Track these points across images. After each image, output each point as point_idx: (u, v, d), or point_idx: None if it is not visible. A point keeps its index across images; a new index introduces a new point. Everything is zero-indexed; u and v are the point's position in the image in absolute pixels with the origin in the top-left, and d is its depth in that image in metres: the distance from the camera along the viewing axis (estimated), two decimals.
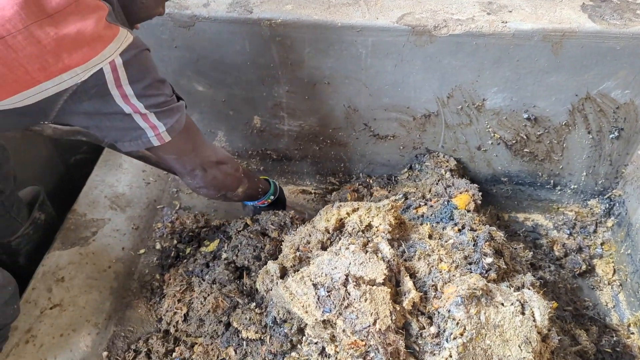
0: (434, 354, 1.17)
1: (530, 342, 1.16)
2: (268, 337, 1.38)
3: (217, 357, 1.44)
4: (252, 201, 1.67)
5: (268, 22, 1.59)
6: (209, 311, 1.48)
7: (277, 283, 1.34)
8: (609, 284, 1.87)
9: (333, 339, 1.22)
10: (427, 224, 1.48)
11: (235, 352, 1.42)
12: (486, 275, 1.32)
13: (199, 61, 1.74)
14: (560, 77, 1.63)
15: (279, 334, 1.36)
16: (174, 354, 1.48)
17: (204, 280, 1.58)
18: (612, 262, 1.90)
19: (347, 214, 1.46)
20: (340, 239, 1.40)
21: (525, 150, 1.87)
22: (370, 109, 1.83)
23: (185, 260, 1.68)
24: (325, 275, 1.24)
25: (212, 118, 1.94)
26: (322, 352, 1.26)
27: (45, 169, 1.96)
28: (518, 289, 1.33)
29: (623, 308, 1.80)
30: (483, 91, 1.71)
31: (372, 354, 1.16)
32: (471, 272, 1.30)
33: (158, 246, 1.78)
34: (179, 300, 1.55)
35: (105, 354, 1.49)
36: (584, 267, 1.87)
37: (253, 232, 1.65)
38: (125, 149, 1.19)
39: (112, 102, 1.05)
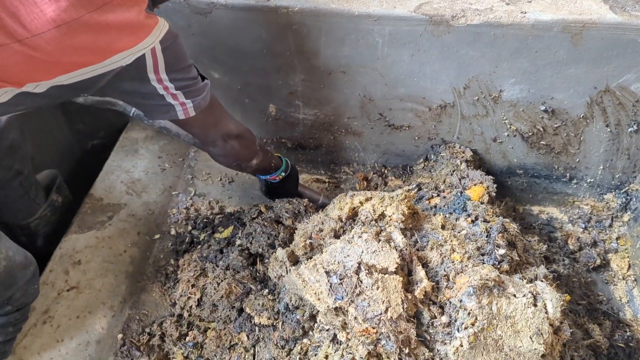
0: (445, 343, 1.18)
1: (541, 334, 1.15)
2: (280, 323, 1.39)
3: (230, 342, 1.45)
4: (264, 175, 1.71)
5: (285, 10, 1.59)
6: (222, 297, 1.49)
7: (288, 270, 1.35)
8: (623, 278, 1.85)
9: (344, 326, 1.23)
10: (440, 215, 1.48)
11: (248, 338, 1.44)
12: (499, 266, 1.32)
13: (215, 48, 1.75)
14: (580, 69, 1.61)
15: (291, 321, 1.37)
16: (187, 338, 1.50)
17: (217, 266, 1.59)
18: (628, 257, 1.88)
19: (361, 203, 1.46)
20: (353, 227, 1.41)
21: (541, 142, 1.85)
22: (386, 98, 1.82)
23: (199, 246, 1.70)
24: (338, 263, 1.25)
25: (228, 105, 1.90)
26: (334, 338, 1.27)
27: (62, 153, 1.99)
28: (531, 281, 1.33)
29: (637, 303, 1.78)
30: (500, 82, 1.69)
31: (383, 342, 1.17)
32: (484, 263, 1.30)
33: (173, 232, 1.80)
34: (192, 286, 1.57)
35: (120, 336, 1.52)
36: (598, 261, 1.86)
37: (267, 220, 1.66)
38: (153, 119, 1.36)
39: (148, 83, 1.18)
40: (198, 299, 1.54)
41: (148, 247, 1.74)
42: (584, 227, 1.98)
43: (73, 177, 1.94)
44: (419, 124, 1.89)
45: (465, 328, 1.13)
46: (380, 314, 1.17)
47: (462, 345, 1.12)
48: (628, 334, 1.65)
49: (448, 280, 1.27)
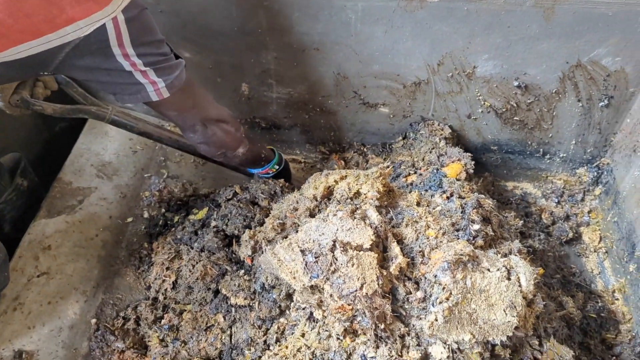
0: (420, 318, 1.18)
1: (515, 307, 1.17)
2: (257, 303, 1.39)
3: (206, 324, 1.45)
4: (255, 168, 1.66)
5: None
6: (197, 279, 1.48)
7: (265, 250, 1.34)
8: (595, 251, 1.89)
9: (320, 304, 1.23)
10: (415, 192, 1.48)
11: (224, 319, 1.43)
12: (473, 241, 1.33)
13: (185, 27, 1.70)
14: (552, 44, 1.61)
15: (268, 300, 1.36)
16: (163, 321, 1.49)
17: (192, 248, 1.57)
18: (599, 229, 1.92)
19: (335, 181, 1.45)
20: (328, 206, 1.40)
21: (515, 118, 1.86)
22: (360, 76, 1.80)
23: (173, 229, 1.68)
24: (313, 241, 1.24)
25: (200, 85, 1.90)
26: (310, 317, 1.27)
27: (29, 136, 1.93)
28: (505, 255, 1.34)
29: (608, 275, 1.82)
30: (474, 58, 1.69)
31: (359, 318, 1.17)
32: (458, 239, 1.31)
33: (146, 215, 1.77)
34: (167, 268, 1.55)
35: (94, 321, 1.50)
36: (571, 234, 1.89)
37: (243, 201, 1.64)
38: (124, 102, 1.22)
39: (113, 58, 1.08)
40: (173, 282, 1.53)
41: (121, 231, 1.71)
42: (557, 201, 2.01)
43: (40, 161, 1.89)
44: (393, 101, 1.88)
45: (440, 303, 1.14)
46: (356, 290, 1.16)
47: (436, 320, 1.13)
48: (599, 304, 1.69)
49: (423, 256, 1.27)
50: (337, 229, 1.25)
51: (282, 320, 1.35)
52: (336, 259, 1.20)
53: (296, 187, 1.78)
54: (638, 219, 1.69)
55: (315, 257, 1.22)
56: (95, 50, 1.05)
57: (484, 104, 1.82)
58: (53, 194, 1.71)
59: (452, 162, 1.67)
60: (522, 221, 1.74)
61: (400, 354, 1.16)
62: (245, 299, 1.40)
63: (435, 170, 1.63)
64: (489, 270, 1.21)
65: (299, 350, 1.22)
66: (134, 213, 1.77)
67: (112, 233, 1.69)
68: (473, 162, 1.73)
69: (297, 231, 1.33)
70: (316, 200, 1.43)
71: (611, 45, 1.58)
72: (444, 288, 1.16)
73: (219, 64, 1.82)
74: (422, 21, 1.60)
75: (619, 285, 1.75)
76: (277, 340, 1.32)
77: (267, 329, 1.36)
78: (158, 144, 1.96)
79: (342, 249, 1.21)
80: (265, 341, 1.34)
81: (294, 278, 1.23)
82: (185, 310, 1.49)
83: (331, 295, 1.19)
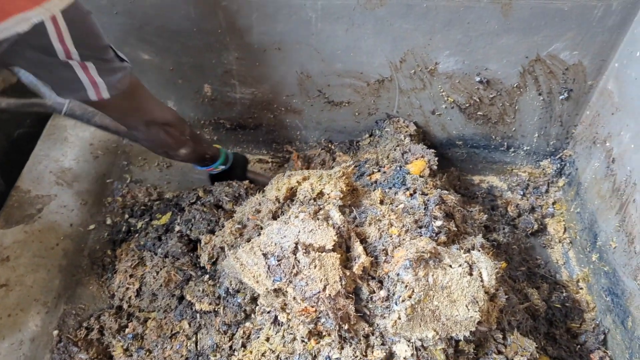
0: (384, 317, 1.18)
1: (477, 302, 1.18)
2: (222, 308, 1.37)
3: (171, 331, 1.42)
4: (201, 166, 1.65)
5: None
6: (161, 285, 1.46)
7: (227, 254, 1.33)
8: (559, 242, 1.92)
9: (284, 307, 1.22)
10: (379, 190, 1.48)
11: (189, 325, 1.41)
12: (436, 238, 1.33)
13: (142, 28, 1.67)
14: (511, 39, 1.62)
15: (233, 304, 1.35)
16: (127, 330, 1.46)
17: (156, 254, 1.55)
18: (563, 220, 1.95)
19: (298, 182, 1.44)
20: (291, 208, 1.39)
21: (478, 113, 1.87)
22: (324, 75, 1.79)
23: (137, 235, 1.65)
24: (275, 244, 1.23)
25: (161, 87, 1.87)
26: (275, 320, 1.26)
27: None
28: (468, 250, 1.35)
29: (573, 264, 1.85)
30: (435, 55, 1.69)
31: (322, 320, 1.17)
32: (421, 236, 1.31)
33: (109, 221, 1.74)
34: (131, 276, 1.52)
35: (56, 332, 1.46)
36: (536, 226, 1.92)
37: (207, 205, 1.62)
38: (64, 97, 1.23)
39: (55, 55, 1.07)
40: (137, 289, 1.50)
41: (82, 239, 1.67)
42: (522, 194, 2.04)
43: None
44: (358, 99, 1.87)
45: (403, 301, 1.14)
46: (319, 292, 1.16)
47: (400, 318, 1.13)
48: (564, 294, 1.72)
49: (386, 254, 1.27)
50: (299, 231, 1.24)
51: (247, 324, 1.34)
52: (298, 261, 1.19)
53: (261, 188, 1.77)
54: (599, 210, 1.72)
55: (278, 260, 1.21)
56: (37, 45, 1.04)
57: (448, 99, 1.83)
58: (10, 203, 1.66)
59: (416, 159, 1.68)
60: (487, 215, 1.75)
61: (364, 353, 1.16)
62: (210, 304, 1.38)
63: (398, 168, 1.63)
64: (450, 266, 1.21)
65: (263, 354, 1.21)
66: (96, 220, 1.74)
67: (74, 241, 1.65)
68: (437, 159, 1.74)
69: (259, 234, 1.31)
70: (279, 202, 1.42)
71: (568, 39, 1.60)
72: (406, 286, 1.16)
73: (179, 66, 1.79)
74: (383, 19, 1.60)
75: (582, 275, 1.78)
76: (243, 345, 1.31)
77: (233, 334, 1.35)
78: (120, 149, 1.92)
79: (304, 250, 1.20)
80: (231, 346, 1.33)
81: (257, 282, 1.22)
82: (150, 318, 1.47)
83: (294, 298, 1.18)
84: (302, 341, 1.19)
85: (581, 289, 1.77)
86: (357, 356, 1.15)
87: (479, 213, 1.76)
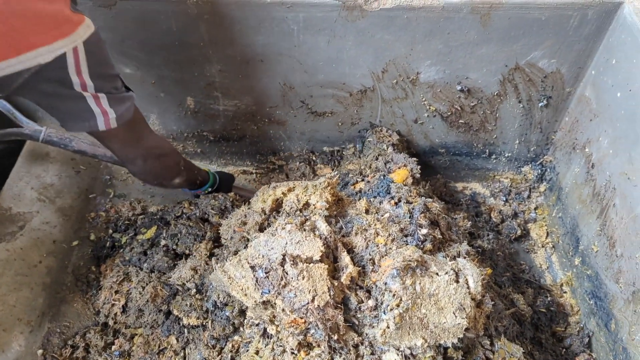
0: (373, 326, 1.19)
1: (464, 309, 1.19)
2: (210, 322, 1.36)
3: (159, 347, 1.41)
4: (190, 189, 1.65)
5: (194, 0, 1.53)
6: (147, 301, 1.44)
7: (215, 268, 1.32)
8: (542, 246, 1.95)
9: (273, 319, 1.21)
10: (364, 199, 1.49)
11: (177, 340, 1.40)
12: (422, 246, 1.34)
13: (123, 42, 1.66)
14: (490, 49, 1.65)
15: (221, 318, 1.34)
16: (113, 347, 1.44)
17: (141, 269, 1.53)
18: (545, 225, 1.98)
19: (284, 193, 1.44)
20: (277, 219, 1.39)
21: (460, 121, 1.90)
22: (306, 86, 1.80)
23: (121, 250, 1.63)
24: (263, 256, 1.23)
25: (143, 101, 1.86)
26: (264, 333, 1.25)
27: None
28: (454, 258, 1.36)
29: (556, 269, 1.88)
30: (417, 65, 1.71)
31: (312, 331, 1.17)
32: (407, 244, 1.32)
33: (92, 237, 1.72)
34: (116, 292, 1.50)
35: (40, 352, 1.43)
36: (519, 231, 1.95)
37: (192, 219, 1.61)
38: (71, 130, 1.19)
39: (71, 87, 1.07)
40: (123, 305, 1.48)
41: (66, 255, 1.65)
42: (504, 199, 2.06)
43: None
44: (341, 109, 1.89)
45: (391, 309, 1.15)
46: (307, 303, 1.16)
47: (388, 327, 1.14)
48: (549, 299, 1.74)
49: (373, 264, 1.27)
50: (287, 243, 1.24)
51: (236, 338, 1.33)
52: (286, 273, 1.19)
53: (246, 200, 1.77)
54: (580, 214, 1.75)
55: (266, 273, 1.21)
56: (54, 78, 1.04)
57: (430, 108, 1.86)
58: None
59: (399, 168, 1.69)
60: (471, 222, 1.77)
61: None
62: (197, 318, 1.37)
63: (382, 177, 1.64)
64: (437, 274, 1.22)
65: None
66: (80, 236, 1.71)
67: (57, 258, 1.62)
68: (419, 167, 1.76)
69: (246, 246, 1.31)
70: (265, 214, 1.42)
71: (546, 47, 1.64)
72: (394, 295, 1.17)
73: (161, 79, 1.78)
74: (364, 30, 1.61)
75: (566, 279, 1.80)
76: (232, 359, 1.30)
77: (222, 348, 1.34)
78: (102, 163, 1.91)
79: (291, 262, 1.20)
80: None
81: (246, 295, 1.21)
82: (137, 334, 1.45)
83: (283, 310, 1.18)
84: (292, 353, 1.18)
85: (565, 292, 1.79)
86: None
87: (464, 220, 1.78)
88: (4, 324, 1.43)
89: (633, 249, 1.45)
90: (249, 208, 1.46)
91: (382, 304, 1.19)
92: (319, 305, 1.16)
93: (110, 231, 1.73)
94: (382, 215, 1.42)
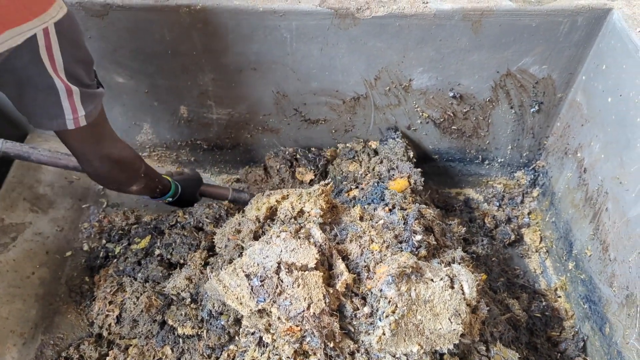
0: (369, 333, 1.19)
1: (459, 314, 1.19)
2: (205, 331, 1.35)
3: (153, 358, 1.39)
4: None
5: (187, 8, 1.53)
6: (142, 311, 1.43)
7: (210, 277, 1.31)
8: (536, 251, 1.95)
9: (269, 327, 1.21)
10: (358, 206, 1.49)
11: (172, 351, 1.39)
12: (417, 252, 1.34)
13: (116, 51, 1.66)
14: (482, 55, 1.66)
15: (216, 327, 1.33)
16: (108, 358, 1.42)
17: (135, 279, 1.52)
18: (539, 230, 1.99)
19: (278, 201, 1.44)
20: (272, 227, 1.39)
21: (453, 127, 1.91)
22: (300, 93, 1.81)
23: (115, 260, 1.62)
24: (257, 264, 1.23)
25: (136, 110, 1.86)
26: (260, 341, 1.24)
27: None
28: (448, 264, 1.37)
29: (550, 273, 1.89)
30: (409, 72, 1.73)
31: (308, 339, 1.16)
32: (402, 251, 1.32)
33: (86, 247, 1.71)
34: (110, 302, 1.49)
35: None
36: (513, 237, 1.95)
37: (187, 228, 1.60)
38: (39, 127, 1.15)
39: (44, 70, 1.03)
40: (117, 316, 1.47)
41: (59, 266, 1.63)
42: (498, 205, 2.07)
43: None
44: (334, 117, 1.89)
45: (387, 316, 1.15)
46: (303, 311, 1.16)
47: (384, 334, 1.14)
48: (544, 303, 1.74)
49: (369, 270, 1.28)
50: (281, 250, 1.24)
51: (231, 347, 1.32)
52: (282, 281, 1.19)
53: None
54: (573, 219, 1.76)
55: (261, 281, 1.20)
56: (25, 62, 1.00)
57: (423, 115, 1.87)
58: None
59: (401, 177, 1.69)
60: (465, 228, 1.78)
61: None
62: (192, 328, 1.36)
63: (376, 184, 1.64)
64: (432, 280, 1.23)
65: None
66: (73, 246, 1.70)
67: (50, 269, 1.61)
68: (422, 179, 1.73)
69: (241, 254, 1.31)
70: (259, 222, 1.42)
71: (537, 54, 1.65)
72: (389, 301, 1.17)
73: (155, 88, 1.78)
74: (357, 38, 1.62)
75: (560, 283, 1.81)
76: None
77: (217, 358, 1.33)
78: None
79: (287, 270, 1.20)
80: None
81: (241, 304, 1.21)
82: (131, 345, 1.44)
83: (279, 318, 1.18)
84: None
85: (559, 297, 1.80)
86: None
87: (458, 226, 1.79)
88: None
89: (626, 253, 1.46)
90: (243, 216, 1.46)
91: (377, 310, 1.19)
92: (314, 313, 1.16)
93: (104, 241, 1.72)
94: (377, 222, 1.42)
